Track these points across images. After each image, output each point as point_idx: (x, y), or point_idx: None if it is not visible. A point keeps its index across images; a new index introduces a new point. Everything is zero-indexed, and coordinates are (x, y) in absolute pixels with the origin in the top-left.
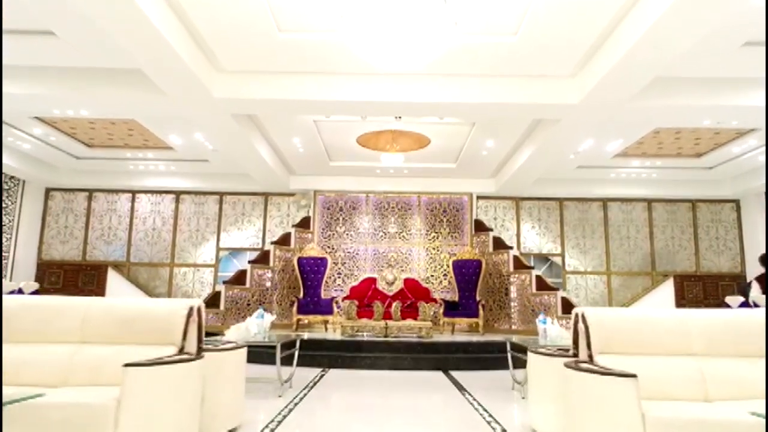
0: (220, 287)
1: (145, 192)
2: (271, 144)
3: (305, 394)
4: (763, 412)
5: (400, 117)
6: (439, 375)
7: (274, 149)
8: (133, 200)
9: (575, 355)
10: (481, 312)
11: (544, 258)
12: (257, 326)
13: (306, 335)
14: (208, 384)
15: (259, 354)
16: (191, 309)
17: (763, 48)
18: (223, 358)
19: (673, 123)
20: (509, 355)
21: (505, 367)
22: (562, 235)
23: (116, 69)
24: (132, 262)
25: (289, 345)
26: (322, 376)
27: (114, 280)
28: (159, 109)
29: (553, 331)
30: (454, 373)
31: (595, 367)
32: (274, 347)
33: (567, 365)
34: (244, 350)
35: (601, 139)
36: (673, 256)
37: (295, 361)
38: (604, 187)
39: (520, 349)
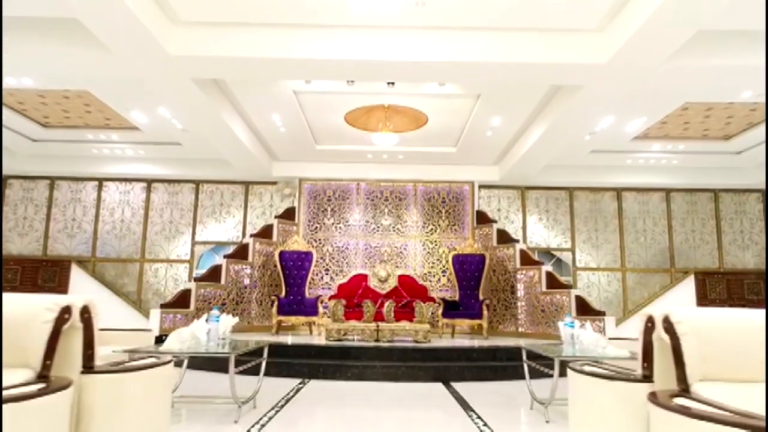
0: (191, 285)
1: (113, 180)
2: (248, 122)
3: (272, 417)
4: None
5: (392, 83)
6: (438, 388)
7: (251, 129)
8: (99, 189)
9: (647, 378)
10: (485, 312)
11: (548, 254)
12: (209, 331)
13: (290, 339)
14: (98, 420)
15: (223, 362)
16: (64, 312)
17: None
18: (131, 381)
19: (706, 96)
20: (525, 366)
21: (517, 377)
22: (572, 228)
23: (49, 19)
24: (98, 258)
25: (255, 353)
26: (298, 389)
27: (78, 277)
28: (106, 72)
29: (588, 337)
30: (457, 386)
31: (720, 412)
32: (239, 356)
33: (659, 402)
34: (167, 368)
35: (622, 116)
36: (693, 251)
37: (261, 372)
38: (618, 175)
39: (535, 357)
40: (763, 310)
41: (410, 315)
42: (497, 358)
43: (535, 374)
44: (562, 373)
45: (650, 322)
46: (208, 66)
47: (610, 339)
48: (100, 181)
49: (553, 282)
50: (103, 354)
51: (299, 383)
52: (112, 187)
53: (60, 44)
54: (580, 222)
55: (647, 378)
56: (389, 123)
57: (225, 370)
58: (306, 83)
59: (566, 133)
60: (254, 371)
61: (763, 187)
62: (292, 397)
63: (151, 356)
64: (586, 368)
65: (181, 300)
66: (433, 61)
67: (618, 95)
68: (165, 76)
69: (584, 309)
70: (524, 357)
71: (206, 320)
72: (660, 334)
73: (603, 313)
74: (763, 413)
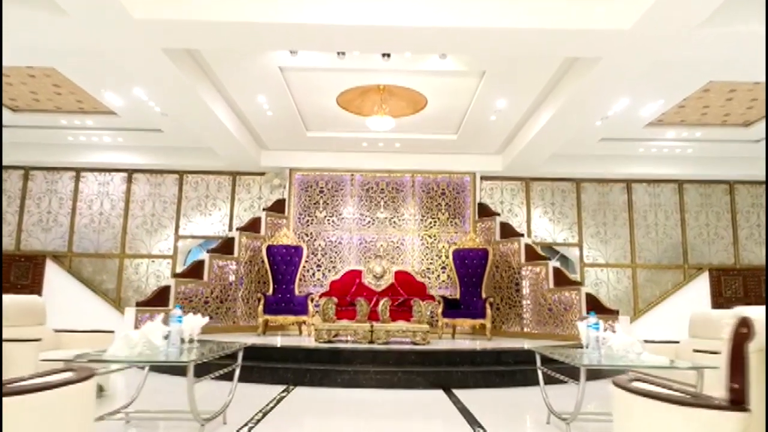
0: (170, 281)
1: (91, 170)
2: (232, 105)
3: None
4: None
5: (388, 56)
6: (439, 396)
7: (236, 113)
8: (76, 179)
9: (738, 404)
10: (488, 312)
11: (550, 250)
12: (168, 334)
13: (277, 341)
14: None
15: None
16: None
17: None
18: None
19: (732, 74)
20: (539, 373)
21: (526, 383)
22: (579, 222)
23: None
24: (75, 253)
25: (232, 357)
26: (280, 399)
27: (53, 273)
28: (67, 42)
29: (618, 341)
30: (460, 393)
31: None
32: (215, 361)
33: None
34: (87, 385)
35: (639, 97)
36: (707, 247)
37: (234, 381)
38: (629, 166)
39: (549, 362)
40: None
41: (407, 314)
42: (503, 361)
43: (548, 380)
44: (568, 378)
45: (745, 326)
46: (179, 33)
47: None
48: (78, 171)
49: (561, 279)
50: (67, 355)
51: (282, 391)
52: (90, 177)
53: (19, 6)
54: (587, 215)
55: (738, 404)
56: (385, 106)
57: (197, 374)
58: (292, 55)
59: (577, 117)
60: (226, 378)
61: None
62: (272, 408)
63: (71, 369)
64: (640, 386)
65: (159, 298)
66: (434, 26)
67: (639, 69)
68: (131, 46)
69: (595, 307)
70: (538, 363)
71: (163, 321)
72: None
73: (616, 312)
74: None
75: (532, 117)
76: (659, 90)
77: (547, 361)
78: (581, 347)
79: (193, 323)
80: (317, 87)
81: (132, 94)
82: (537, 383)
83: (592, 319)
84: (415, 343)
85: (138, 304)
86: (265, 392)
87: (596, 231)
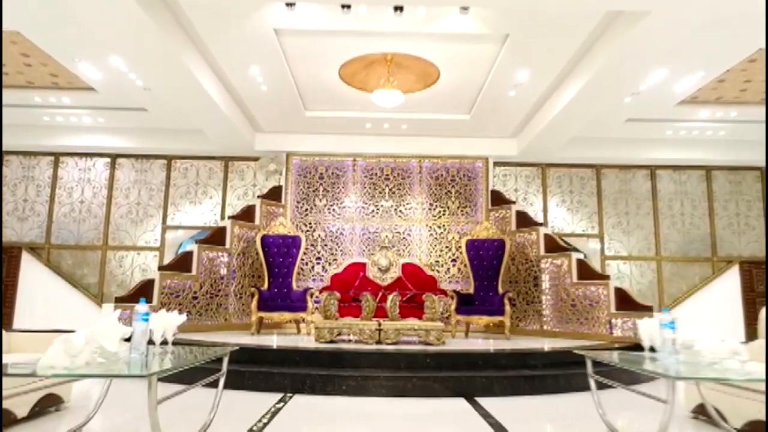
0: (155, 275)
1: (71, 155)
2: (222, 78)
3: None
4: None
5: (401, 9)
6: (462, 406)
7: (227, 88)
8: (55, 165)
9: None
10: (507, 308)
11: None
12: (131, 336)
13: (273, 340)
14: None
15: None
16: None
17: None
18: None
19: None
20: (592, 382)
21: (558, 390)
22: (599, 212)
23: None
24: (53, 244)
25: (216, 363)
26: (277, 410)
27: (29, 266)
28: None
29: (713, 345)
30: (486, 402)
31: None
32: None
33: None
34: None
35: (678, 68)
36: (737, 238)
37: (218, 393)
38: (653, 150)
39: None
40: None
41: (418, 311)
42: (530, 365)
43: (571, 386)
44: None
45: None
46: None
47: None
48: (56, 156)
49: (585, 272)
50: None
51: (278, 401)
52: (70, 163)
53: None
54: (608, 204)
55: None
56: (393, 80)
57: (187, 381)
58: (289, 9)
59: (606, 92)
60: (228, 383)
61: None
62: (266, 424)
63: None
64: None
65: (142, 293)
66: None
67: (688, 29)
68: None
69: (625, 303)
70: (589, 369)
71: (118, 318)
72: None
73: (649, 309)
74: None
75: (556, 92)
76: (702, 59)
77: (570, 364)
78: (614, 349)
79: (167, 322)
80: (317, 55)
81: (109, 64)
82: (570, 390)
83: (666, 316)
84: (427, 343)
85: (118, 300)
86: (259, 402)
87: (618, 221)
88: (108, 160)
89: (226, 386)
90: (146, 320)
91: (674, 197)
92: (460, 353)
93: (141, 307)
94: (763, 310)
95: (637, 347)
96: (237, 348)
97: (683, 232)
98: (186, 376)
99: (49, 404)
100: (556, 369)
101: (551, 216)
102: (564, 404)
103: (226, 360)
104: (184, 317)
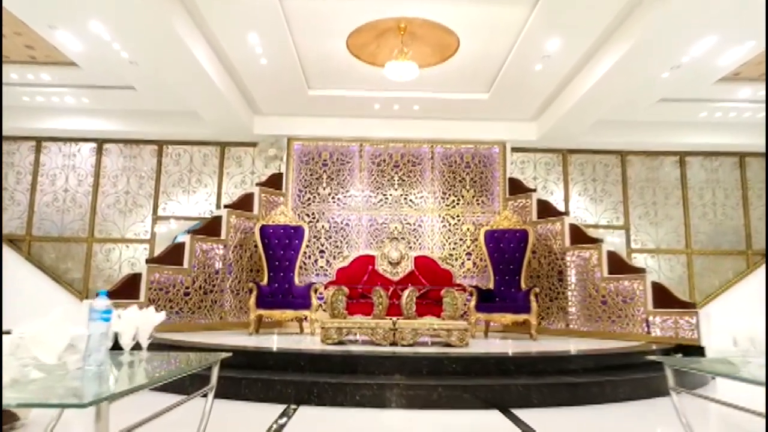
0: (142, 268)
1: (54, 139)
2: (217, 50)
3: None
4: None
5: None
6: (499, 421)
7: (222, 62)
8: (37, 150)
9: None
10: (533, 305)
11: None
12: (88, 339)
13: (273, 342)
14: None
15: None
16: None
17: None
18: None
19: None
20: (674, 396)
21: (604, 399)
22: (625, 201)
23: None
24: (35, 236)
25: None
26: (279, 428)
27: (9, 260)
28: None
29: None
30: (524, 416)
31: None
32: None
33: None
34: None
35: (727, 36)
36: None
37: (206, 410)
38: (683, 134)
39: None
40: None
41: (435, 308)
42: (568, 370)
43: (618, 395)
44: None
45: None
46: None
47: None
48: (38, 141)
49: (617, 265)
50: None
51: (280, 415)
52: (53, 148)
53: None
54: (634, 194)
55: None
56: (407, 50)
57: (175, 389)
58: None
59: (644, 64)
60: (222, 393)
61: None
62: None
63: None
64: None
65: (128, 288)
66: None
67: None
68: None
69: (664, 300)
70: (671, 383)
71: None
72: None
73: (692, 306)
74: None
75: (587, 67)
76: (755, 25)
77: (611, 369)
78: (652, 352)
79: (138, 321)
80: (323, 19)
81: (90, 31)
82: (617, 400)
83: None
84: (449, 345)
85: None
86: (258, 416)
87: (645, 212)
88: (94, 145)
89: (220, 396)
90: (106, 320)
91: (705, 186)
92: (489, 357)
93: (99, 302)
94: None
95: (680, 349)
96: (230, 354)
97: (715, 223)
98: (176, 385)
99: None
100: (598, 375)
101: (572, 206)
102: (616, 418)
103: (215, 370)
104: (162, 315)
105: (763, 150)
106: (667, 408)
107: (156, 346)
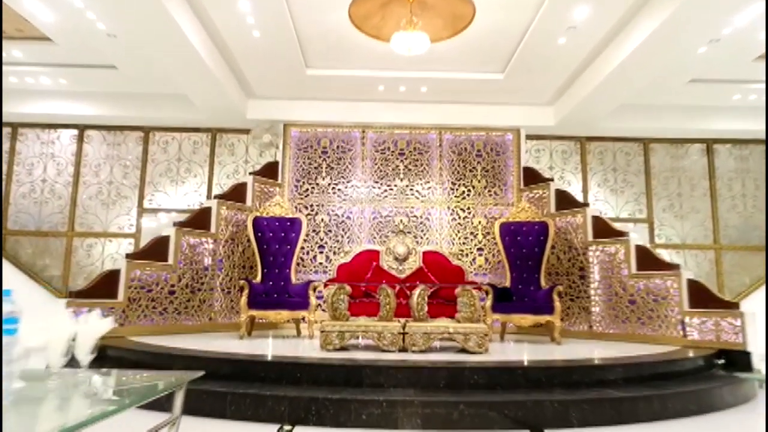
0: (121, 264)
1: (32, 125)
2: (205, 21)
3: None
4: None
5: None
6: None
7: (211, 36)
8: (13, 137)
9: None
10: (557, 305)
11: None
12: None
13: (268, 348)
14: None
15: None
16: None
17: None
18: None
19: None
20: None
21: (654, 416)
22: (648, 193)
23: None
24: (10, 230)
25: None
26: None
27: None
28: None
29: None
30: None
31: None
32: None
33: None
34: None
35: None
36: None
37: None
38: (711, 119)
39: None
40: None
41: (448, 308)
42: (608, 381)
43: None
44: None
45: None
46: None
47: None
48: (14, 127)
49: (647, 261)
50: None
51: None
52: (30, 135)
53: None
54: (658, 184)
55: None
56: (418, 21)
57: (163, 408)
58: None
59: (682, 36)
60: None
61: None
62: None
63: None
64: None
65: (105, 286)
66: None
67: None
68: None
69: (702, 299)
70: None
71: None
72: None
73: (735, 306)
74: None
75: (615, 40)
76: None
77: (652, 378)
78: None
79: (73, 332)
80: None
81: None
82: (666, 417)
83: None
84: (464, 351)
85: (72, 295)
86: None
87: (669, 204)
88: (75, 131)
89: (201, 414)
90: (13, 332)
91: (734, 176)
92: (514, 366)
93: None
94: None
95: (723, 354)
96: (201, 374)
97: (745, 216)
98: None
99: None
100: (641, 386)
101: (591, 198)
102: None
103: (180, 396)
104: (109, 323)
105: None
106: (729, 427)
107: (129, 353)
